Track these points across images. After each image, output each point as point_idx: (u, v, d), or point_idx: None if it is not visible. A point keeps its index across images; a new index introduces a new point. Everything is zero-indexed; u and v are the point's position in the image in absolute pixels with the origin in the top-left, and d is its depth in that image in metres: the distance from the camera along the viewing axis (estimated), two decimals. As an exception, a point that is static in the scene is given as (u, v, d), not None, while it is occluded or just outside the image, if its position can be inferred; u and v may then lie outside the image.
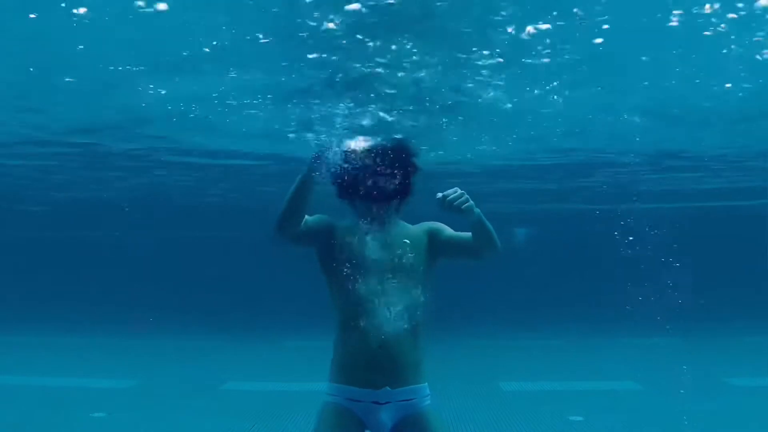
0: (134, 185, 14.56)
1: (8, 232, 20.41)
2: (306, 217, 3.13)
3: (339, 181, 3.16)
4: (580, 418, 7.46)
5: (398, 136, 5.71)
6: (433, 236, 3.21)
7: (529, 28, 4.34)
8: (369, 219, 3.14)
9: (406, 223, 3.27)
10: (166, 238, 21.08)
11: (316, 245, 3.20)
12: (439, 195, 2.97)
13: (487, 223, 3.10)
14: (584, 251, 20.55)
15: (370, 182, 3.11)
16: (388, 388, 3.05)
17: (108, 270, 20.30)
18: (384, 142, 3.24)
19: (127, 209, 5.36)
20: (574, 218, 19.44)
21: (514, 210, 19.07)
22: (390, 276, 3.09)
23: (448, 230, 3.24)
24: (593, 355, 12.11)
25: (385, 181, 3.10)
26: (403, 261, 3.12)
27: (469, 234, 3.15)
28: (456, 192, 2.97)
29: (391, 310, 3.05)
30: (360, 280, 3.10)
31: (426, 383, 3.17)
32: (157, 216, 18.57)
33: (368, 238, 3.12)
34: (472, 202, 3.00)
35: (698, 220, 17.90)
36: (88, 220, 19.50)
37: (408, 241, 3.17)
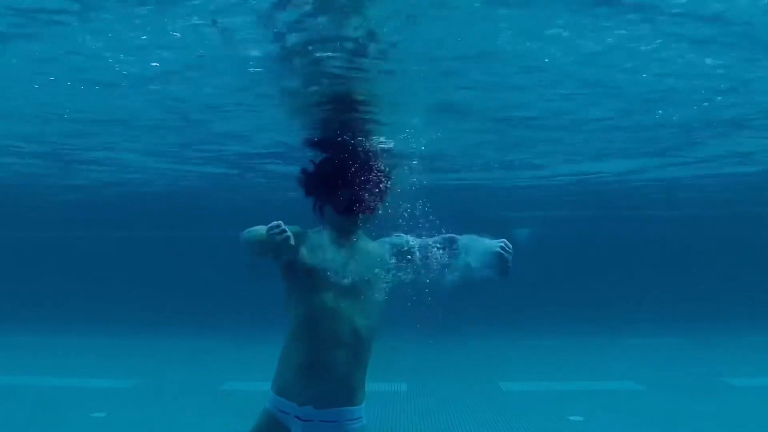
0: (135, 186, 14.55)
1: (8, 233, 20.40)
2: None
3: (313, 190, 3.12)
4: (580, 418, 7.46)
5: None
6: (396, 252, 3.07)
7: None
8: (337, 232, 3.07)
9: (368, 239, 3.14)
10: (166, 238, 21.07)
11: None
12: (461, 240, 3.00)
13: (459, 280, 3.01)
14: (584, 252, 20.55)
15: (342, 196, 3.05)
16: (311, 407, 2.96)
17: (108, 270, 20.31)
18: (360, 159, 3.16)
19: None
20: (574, 220, 19.45)
21: (516, 216, 19.13)
22: (341, 295, 2.97)
23: (413, 245, 3.08)
24: (593, 355, 12.09)
25: (356, 195, 3.02)
26: (358, 280, 2.99)
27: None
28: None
29: (332, 329, 2.94)
30: (311, 294, 2.99)
31: (359, 406, 3.03)
32: (158, 216, 18.57)
33: (329, 252, 3.01)
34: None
35: (698, 222, 17.90)
36: (88, 220, 19.50)
37: (368, 258, 3.04)
